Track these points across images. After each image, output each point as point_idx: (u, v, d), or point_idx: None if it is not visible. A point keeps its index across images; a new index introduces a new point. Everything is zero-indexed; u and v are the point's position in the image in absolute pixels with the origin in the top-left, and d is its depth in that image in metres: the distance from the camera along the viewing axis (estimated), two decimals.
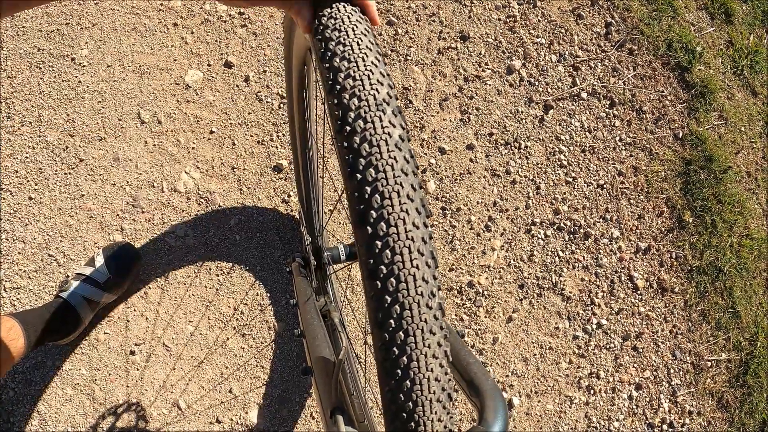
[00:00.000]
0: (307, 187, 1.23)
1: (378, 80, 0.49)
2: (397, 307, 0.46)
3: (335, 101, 0.48)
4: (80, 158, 1.39)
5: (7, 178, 1.37)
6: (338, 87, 0.48)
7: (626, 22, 1.60)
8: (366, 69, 0.49)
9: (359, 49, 0.50)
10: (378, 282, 0.46)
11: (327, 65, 0.49)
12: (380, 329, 0.46)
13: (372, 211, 0.46)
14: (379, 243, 0.46)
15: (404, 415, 0.47)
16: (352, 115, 0.47)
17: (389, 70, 1.51)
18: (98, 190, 1.37)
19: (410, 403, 0.46)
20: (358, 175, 0.46)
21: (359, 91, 0.48)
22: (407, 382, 0.46)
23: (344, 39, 0.50)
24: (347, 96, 0.48)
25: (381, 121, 0.47)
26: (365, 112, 0.47)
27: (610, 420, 1.39)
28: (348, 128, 0.47)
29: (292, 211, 1.41)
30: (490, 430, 0.53)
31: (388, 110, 0.48)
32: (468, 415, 1.36)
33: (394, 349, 0.46)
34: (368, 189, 0.46)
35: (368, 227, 0.46)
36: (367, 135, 0.47)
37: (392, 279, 0.46)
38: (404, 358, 0.46)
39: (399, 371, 0.46)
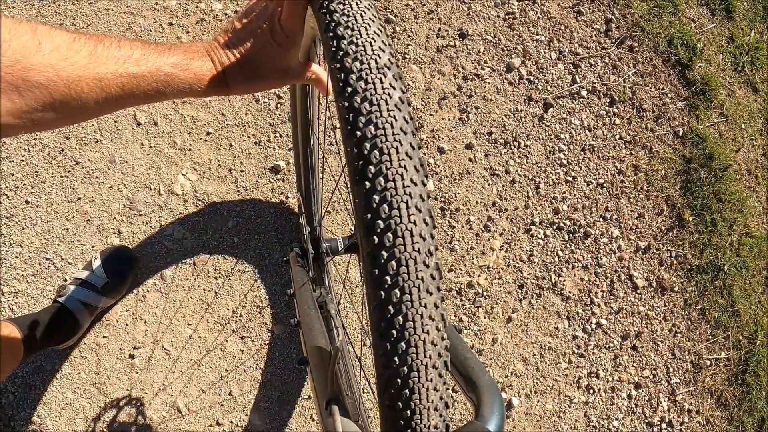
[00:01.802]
0: (306, 176, 1.23)
1: (380, 47, 0.51)
2: (393, 262, 0.46)
3: (338, 65, 0.50)
4: (76, 161, 1.38)
5: (3, 181, 1.36)
6: (341, 52, 0.50)
7: (626, 19, 1.58)
8: (369, 36, 0.51)
9: (362, 19, 0.52)
10: (375, 237, 0.46)
11: (331, 34, 0.51)
12: (376, 286, 0.46)
13: (371, 166, 0.46)
14: (377, 197, 0.46)
15: (398, 380, 0.47)
16: (354, 76, 0.49)
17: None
18: (95, 193, 1.36)
19: (405, 369, 0.47)
20: (358, 133, 0.47)
21: (361, 55, 0.50)
22: (399, 317, 0.46)
23: (348, 11, 0.52)
24: (350, 60, 0.49)
25: (382, 83, 0.49)
26: (366, 74, 0.49)
27: (609, 419, 1.40)
28: (349, 89, 0.48)
29: (290, 211, 1.40)
30: (486, 425, 0.53)
31: (389, 74, 0.50)
32: (467, 416, 1.36)
33: (390, 308, 0.46)
34: (367, 145, 0.47)
35: (366, 182, 0.46)
36: (368, 95, 0.48)
37: (389, 234, 0.46)
38: (399, 317, 0.46)
39: (390, 307, 0.46)
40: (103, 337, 1.31)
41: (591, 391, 1.40)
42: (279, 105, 1.45)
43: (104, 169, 1.38)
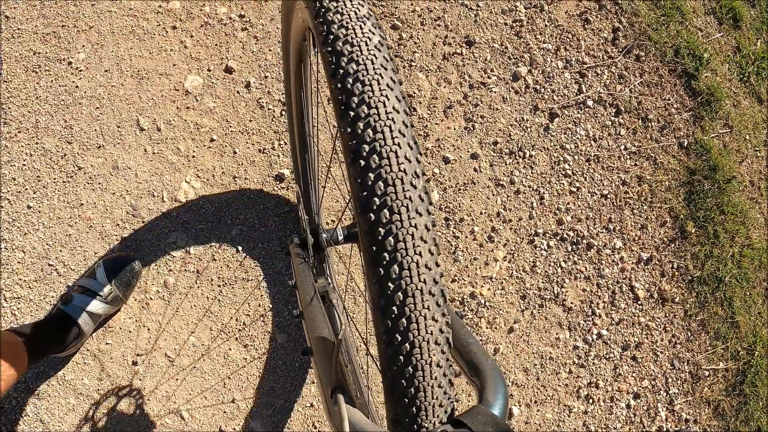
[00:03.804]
0: (304, 166, 1.22)
1: (370, 30, 0.51)
2: (390, 239, 0.46)
3: (329, 49, 0.51)
4: (79, 166, 1.37)
5: (5, 186, 1.35)
6: (332, 37, 0.51)
7: (634, 28, 1.57)
8: (358, 20, 0.51)
9: (351, 4, 0.53)
10: (371, 214, 0.47)
11: (321, 20, 0.52)
12: (374, 263, 0.47)
13: (365, 145, 0.47)
14: (372, 175, 0.47)
15: (401, 357, 0.47)
16: (345, 59, 0.49)
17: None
18: (97, 199, 1.36)
19: (404, 321, 0.48)
20: (351, 113, 0.48)
21: (352, 38, 0.50)
22: (399, 293, 0.47)
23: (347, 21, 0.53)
24: (340, 44, 0.50)
25: (373, 64, 0.49)
26: (357, 56, 0.49)
27: (608, 429, 1.41)
28: (341, 71, 0.49)
29: (294, 220, 1.40)
30: (491, 409, 0.53)
31: (379, 55, 0.50)
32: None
33: (390, 284, 0.47)
34: (361, 125, 0.47)
35: (361, 160, 0.47)
36: (360, 75, 0.49)
37: (385, 210, 0.47)
38: (399, 293, 0.47)
39: (390, 284, 0.47)
40: (106, 343, 1.31)
41: (590, 400, 1.42)
42: (284, 112, 1.44)
43: (107, 174, 1.37)
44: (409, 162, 0.48)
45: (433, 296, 0.48)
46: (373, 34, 0.51)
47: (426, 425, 0.49)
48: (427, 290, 0.47)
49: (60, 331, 1.20)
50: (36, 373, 1.29)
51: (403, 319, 0.46)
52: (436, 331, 0.48)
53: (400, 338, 0.47)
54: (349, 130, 0.48)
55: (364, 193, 0.47)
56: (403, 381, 0.47)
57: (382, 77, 0.49)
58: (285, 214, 1.39)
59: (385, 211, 0.46)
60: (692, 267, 1.50)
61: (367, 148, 0.47)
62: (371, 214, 0.46)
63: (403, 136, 0.48)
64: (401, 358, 0.47)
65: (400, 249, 0.46)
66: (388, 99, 0.49)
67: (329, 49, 0.50)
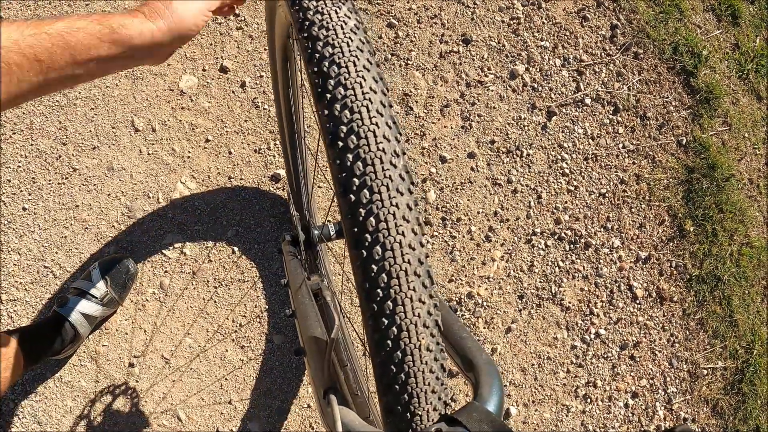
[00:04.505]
0: (295, 163, 1.22)
1: (345, 14, 0.51)
2: (372, 219, 0.46)
3: (305, 35, 0.50)
4: (74, 167, 1.36)
5: (0, 188, 1.34)
6: (308, 23, 0.50)
7: (632, 25, 1.56)
8: (333, 5, 0.51)
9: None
10: (351, 195, 0.46)
11: (297, 8, 0.52)
12: (356, 246, 0.46)
13: (342, 126, 0.47)
14: (350, 156, 0.47)
15: (389, 342, 0.46)
16: (321, 43, 0.49)
17: (382, 71, 1.47)
18: (93, 201, 1.35)
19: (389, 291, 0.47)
20: (328, 95, 0.47)
21: (327, 22, 0.50)
22: (383, 275, 0.46)
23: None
24: (316, 29, 0.50)
25: (348, 46, 0.49)
26: (332, 39, 0.49)
27: (606, 428, 1.41)
28: (317, 55, 0.49)
29: (290, 221, 1.39)
30: (486, 405, 0.51)
31: (355, 38, 0.50)
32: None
33: (373, 266, 0.46)
34: (338, 107, 0.47)
35: (339, 141, 0.47)
36: (335, 58, 0.48)
37: (365, 190, 0.47)
38: (383, 275, 0.46)
39: (373, 266, 0.46)
40: (103, 345, 1.31)
41: (588, 400, 1.41)
42: None
43: (102, 176, 1.36)
44: (387, 141, 0.47)
45: (419, 277, 0.46)
46: (349, 18, 0.50)
47: (419, 413, 0.48)
48: (412, 271, 0.46)
49: (56, 333, 1.20)
50: (33, 375, 1.29)
51: (389, 302, 0.45)
52: (423, 313, 0.47)
53: (386, 322, 0.45)
54: (326, 112, 0.47)
55: (343, 174, 0.46)
56: (392, 366, 0.46)
57: (358, 59, 0.49)
58: (281, 214, 1.39)
59: (365, 191, 0.46)
60: (691, 266, 1.49)
61: (344, 129, 0.47)
62: (351, 195, 0.46)
63: (381, 115, 0.48)
64: (389, 342, 0.46)
65: (382, 229, 0.45)
66: (365, 80, 0.48)
67: (305, 35, 0.50)
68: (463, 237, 1.43)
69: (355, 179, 0.46)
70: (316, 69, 0.48)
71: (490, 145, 1.47)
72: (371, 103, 0.47)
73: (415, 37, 1.49)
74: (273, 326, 1.35)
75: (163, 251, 1.34)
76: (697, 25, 1.60)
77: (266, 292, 1.35)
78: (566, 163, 1.48)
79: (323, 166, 1.35)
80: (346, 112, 0.47)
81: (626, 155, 1.51)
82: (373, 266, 0.45)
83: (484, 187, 1.45)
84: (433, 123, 1.46)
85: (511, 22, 1.53)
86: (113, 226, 1.35)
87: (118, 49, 0.55)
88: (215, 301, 1.34)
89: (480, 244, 1.43)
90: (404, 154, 0.49)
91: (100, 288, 1.24)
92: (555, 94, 1.51)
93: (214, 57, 1.44)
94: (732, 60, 1.62)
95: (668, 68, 1.56)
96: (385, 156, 0.46)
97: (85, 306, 1.23)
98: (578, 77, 1.52)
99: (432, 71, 1.48)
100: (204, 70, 1.43)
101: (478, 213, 1.44)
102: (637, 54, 1.55)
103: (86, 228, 1.34)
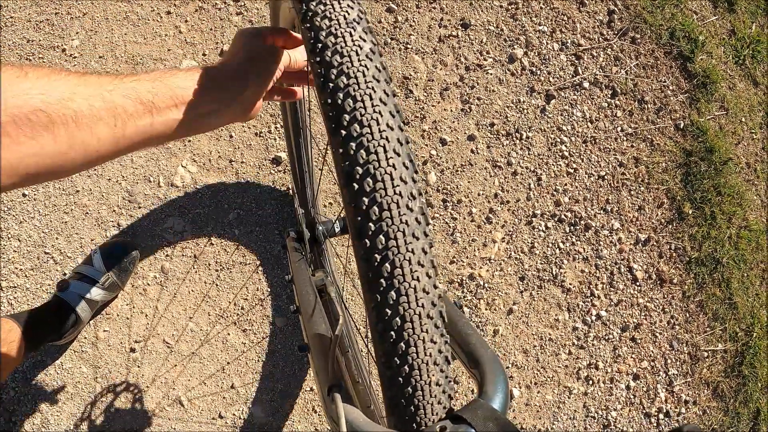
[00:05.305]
0: (300, 159, 1.21)
1: (348, 5, 0.50)
2: (375, 208, 0.46)
3: (308, 25, 0.50)
4: None
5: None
6: (310, 14, 0.50)
7: (629, 10, 1.57)
8: (348, 26, 0.50)
9: (340, 7, 0.51)
10: (355, 184, 0.46)
11: (308, 25, 0.51)
12: (359, 235, 0.46)
13: (345, 115, 0.47)
14: (353, 144, 0.46)
15: (392, 333, 0.46)
16: (324, 33, 0.49)
17: (386, 58, 1.48)
18: (93, 186, 1.35)
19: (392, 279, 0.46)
20: (343, 132, 0.47)
21: (330, 13, 0.50)
22: (386, 264, 0.46)
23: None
24: (318, 19, 0.49)
25: (351, 36, 0.49)
26: (336, 29, 0.49)
27: (608, 410, 1.41)
28: (320, 45, 0.49)
29: (292, 202, 1.39)
30: (490, 403, 0.51)
31: (358, 28, 0.50)
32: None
33: (376, 255, 0.46)
34: (340, 95, 0.47)
35: (342, 130, 0.47)
36: (338, 48, 0.48)
37: (368, 179, 0.46)
38: (387, 264, 0.46)
39: (376, 255, 0.45)
40: (104, 330, 1.30)
41: (590, 382, 1.42)
42: None
43: None
44: (404, 183, 0.46)
45: (423, 266, 0.46)
46: (365, 41, 0.49)
47: (423, 406, 0.47)
48: (415, 260, 0.46)
49: (57, 318, 1.19)
50: (34, 362, 1.28)
51: (392, 292, 0.45)
52: (427, 303, 0.46)
53: (390, 312, 0.45)
54: (341, 150, 0.46)
55: (359, 219, 0.45)
56: (396, 359, 0.45)
57: (375, 91, 0.47)
58: (282, 197, 1.39)
59: (368, 179, 0.45)
60: (690, 248, 1.50)
61: (360, 170, 0.46)
62: (366, 241, 0.45)
63: (398, 155, 0.47)
64: (392, 333, 0.45)
65: (398, 275, 0.45)
66: (381, 115, 0.47)
67: (317, 59, 0.49)
68: (464, 219, 1.43)
69: (358, 167, 0.45)
70: (330, 101, 0.47)
71: (489, 128, 1.47)
72: (388, 142, 0.47)
73: (414, 21, 1.50)
74: (275, 309, 1.34)
75: (164, 235, 1.34)
76: (694, 11, 1.62)
77: (268, 275, 1.35)
78: (565, 145, 1.49)
79: (329, 164, 1.35)
80: (362, 152, 0.46)
81: (625, 138, 1.52)
82: (376, 255, 0.45)
83: (485, 170, 1.45)
84: (432, 106, 1.47)
85: (509, 7, 1.54)
86: (114, 210, 1.34)
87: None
88: (217, 285, 1.34)
89: (481, 225, 1.43)
90: (421, 195, 0.48)
91: (101, 272, 1.24)
92: (553, 78, 1.51)
93: (215, 42, 1.44)
94: (728, 46, 1.63)
95: (665, 53, 1.57)
96: (402, 200, 0.46)
97: (87, 290, 1.22)
98: (576, 61, 1.53)
99: (431, 55, 1.49)
100: (204, 55, 1.43)
101: (479, 195, 1.44)
102: (634, 39, 1.56)
103: (87, 213, 1.34)
